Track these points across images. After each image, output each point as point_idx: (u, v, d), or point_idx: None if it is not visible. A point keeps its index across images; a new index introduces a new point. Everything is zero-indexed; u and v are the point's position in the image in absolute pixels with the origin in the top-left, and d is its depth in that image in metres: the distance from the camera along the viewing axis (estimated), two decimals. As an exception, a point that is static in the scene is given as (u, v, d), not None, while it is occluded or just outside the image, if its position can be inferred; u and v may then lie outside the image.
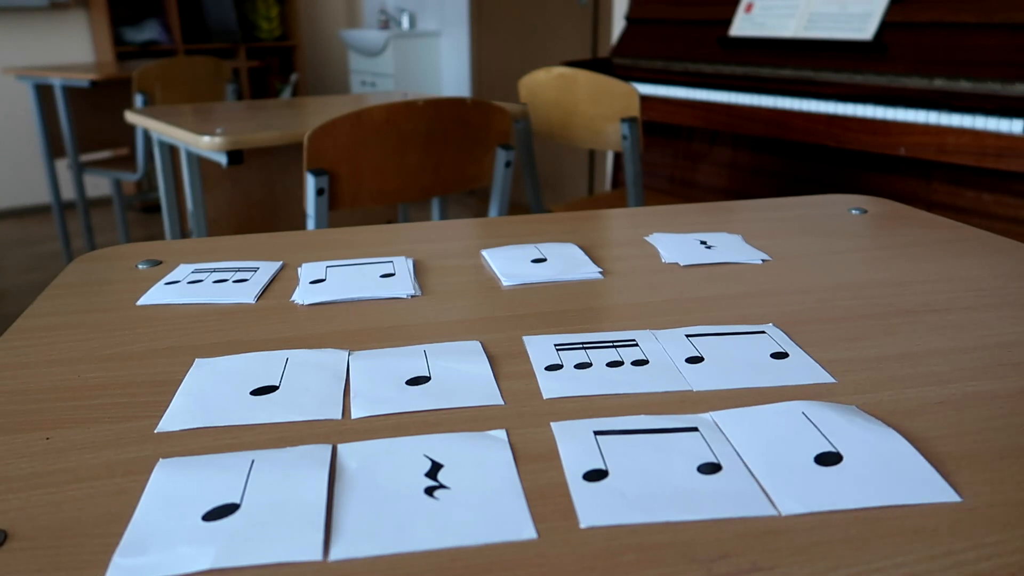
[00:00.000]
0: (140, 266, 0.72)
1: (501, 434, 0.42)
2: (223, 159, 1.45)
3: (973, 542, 0.33)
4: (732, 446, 0.41)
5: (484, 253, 0.74)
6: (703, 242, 0.76)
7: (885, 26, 1.82)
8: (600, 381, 0.48)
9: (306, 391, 0.48)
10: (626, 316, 0.59)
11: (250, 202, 1.92)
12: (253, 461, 0.40)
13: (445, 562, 0.33)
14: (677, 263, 0.71)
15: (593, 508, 0.36)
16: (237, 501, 0.37)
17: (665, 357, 0.52)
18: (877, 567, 0.32)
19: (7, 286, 3.12)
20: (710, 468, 0.39)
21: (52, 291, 0.66)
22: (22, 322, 0.59)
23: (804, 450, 0.40)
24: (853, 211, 0.88)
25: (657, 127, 2.43)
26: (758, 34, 2.07)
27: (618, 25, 2.93)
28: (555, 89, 1.93)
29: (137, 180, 2.84)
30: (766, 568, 0.32)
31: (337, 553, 0.33)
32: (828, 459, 0.39)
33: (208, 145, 1.42)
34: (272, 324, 0.59)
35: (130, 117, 1.79)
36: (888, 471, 0.38)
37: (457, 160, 1.46)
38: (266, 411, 0.45)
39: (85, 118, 2.92)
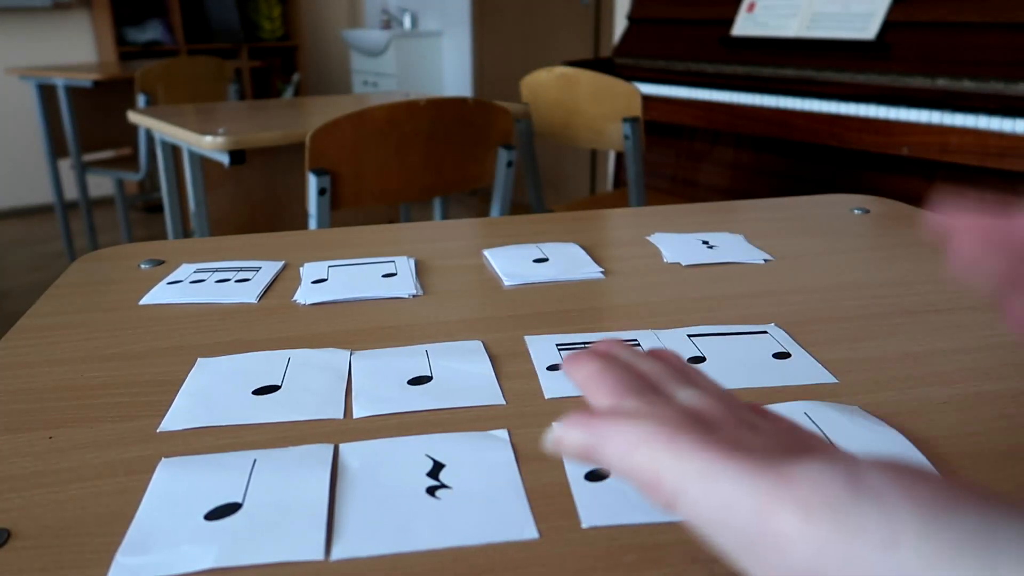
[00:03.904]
0: (142, 266, 0.72)
1: (503, 434, 0.42)
2: (225, 159, 1.45)
3: (975, 542, 0.33)
4: (734, 446, 0.41)
5: (486, 253, 0.74)
6: (705, 242, 0.76)
7: (887, 25, 1.82)
8: (602, 381, 0.48)
9: (308, 391, 0.48)
10: (628, 316, 0.59)
11: (252, 202, 1.92)
12: (255, 460, 0.40)
13: (447, 562, 0.33)
14: (679, 263, 0.71)
15: (595, 508, 0.36)
16: (239, 500, 0.37)
17: (667, 357, 0.51)
18: (879, 567, 0.32)
19: (10, 286, 3.12)
20: (712, 468, 0.39)
21: (55, 291, 0.66)
22: (25, 321, 0.60)
23: (806, 450, 0.40)
24: (856, 211, 0.88)
25: (659, 127, 2.43)
26: (760, 34, 2.07)
27: (620, 25, 2.93)
28: (557, 89, 1.93)
29: (139, 180, 2.84)
30: (768, 568, 0.32)
31: (339, 553, 0.33)
32: (830, 459, 0.39)
33: (210, 145, 1.43)
34: (274, 324, 0.59)
35: (133, 117, 1.79)
36: (890, 471, 0.38)
37: (459, 160, 1.46)
38: (268, 411, 0.45)
39: (88, 118, 2.92)
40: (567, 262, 0.71)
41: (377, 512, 0.36)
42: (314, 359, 0.52)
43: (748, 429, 0.26)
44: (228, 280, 0.67)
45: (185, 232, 1.96)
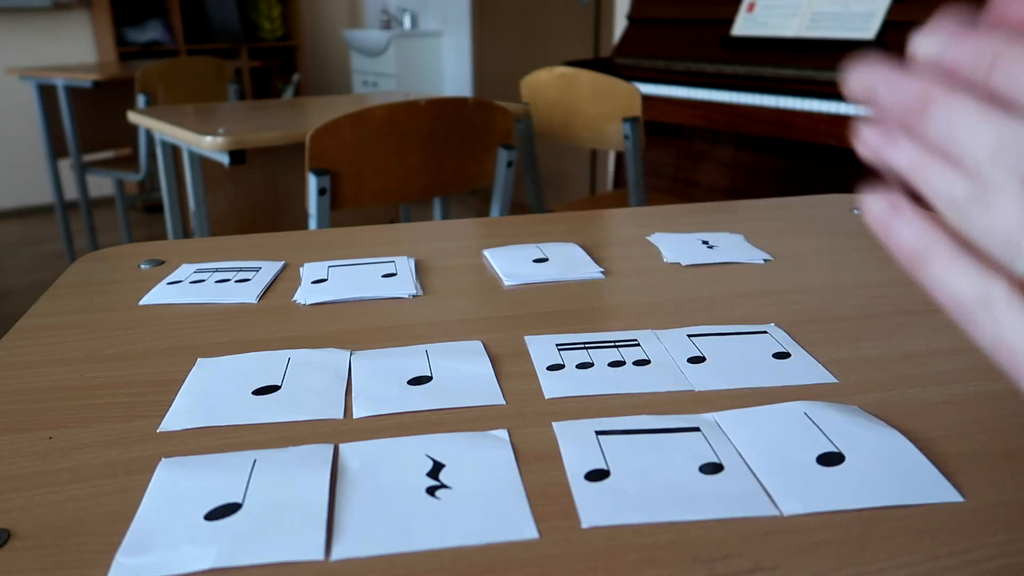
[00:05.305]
0: (142, 266, 0.72)
1: (503, 434, 0.42)
2: (225, 159, 1.45)
3: (976, 542, 0.33)
4: (734, 446, 0.41)
5: (486, 253, 0.74)
6: (705, 242, 0.76)
7: (887, 25, 1.82)
8: (602, 381, 0.48)
9: (308, 391, 0.48)
10: (628, 316, 0.59)
11: (252, 202, 1.92)
12: (255, 461, 0.40)
13: (446, 562, 0.33)
14: (679, 263, 0.71)
15: (595, 508, 0.36)
16: (239, 500, 0.37)
17: (667, 357, 0.51)
18: (880, 567, 0.32)
19: (10, 286, 3.12)
20: (712, 468, 0.39)
21: (55, 291, 0.66)
22: (25, 322, 0.60)
23: (806, 450, 0.40)
24: (855, 211, 0.88)
25: (659, 127, 2.43)
26: (760, 33, 2.07)
27: (620, 25, 2.93)
28: (557, 89, 1.93)
29: (139, 180, 2.84)
30: (768, 568, 0.32)
31: (339, 553, 0.33)
32: (830, 459, 0.39)
33: (210, 145, 1.43)
34: (274, 324, 0.59)
35: (132, 117, 1.79)
36: (890, 471, 0.38)
37: (459, 160, 1.46)
38: (268, 411, 0.45)
39: (88, 118, 2.92)
40: (567, 262, 0.71)
41: (377, 512, 0.36)
42: (314, 359, 0.52)
43: None
44: (228, 280, 0.67)
45: (185, 232, 1.96)
